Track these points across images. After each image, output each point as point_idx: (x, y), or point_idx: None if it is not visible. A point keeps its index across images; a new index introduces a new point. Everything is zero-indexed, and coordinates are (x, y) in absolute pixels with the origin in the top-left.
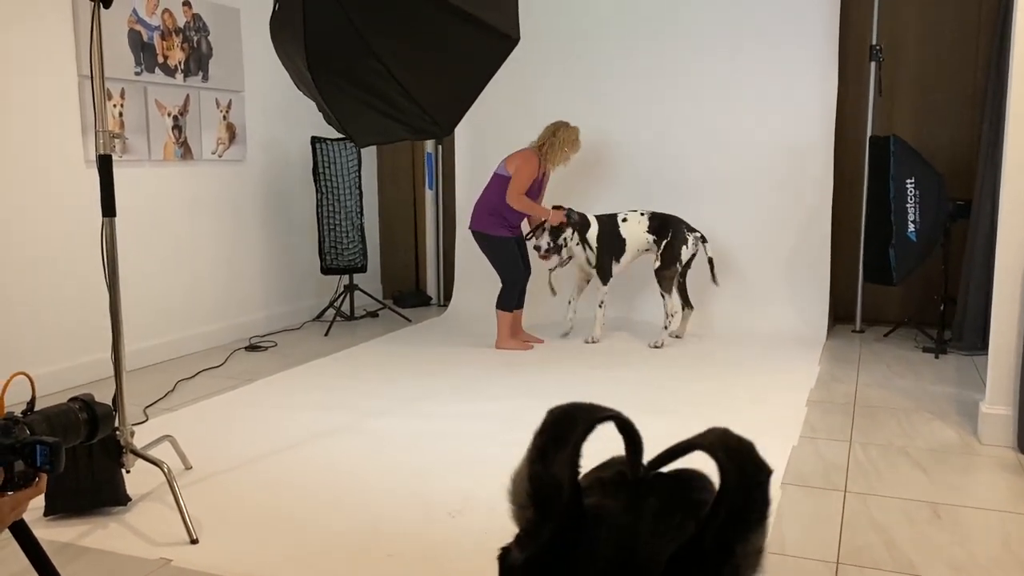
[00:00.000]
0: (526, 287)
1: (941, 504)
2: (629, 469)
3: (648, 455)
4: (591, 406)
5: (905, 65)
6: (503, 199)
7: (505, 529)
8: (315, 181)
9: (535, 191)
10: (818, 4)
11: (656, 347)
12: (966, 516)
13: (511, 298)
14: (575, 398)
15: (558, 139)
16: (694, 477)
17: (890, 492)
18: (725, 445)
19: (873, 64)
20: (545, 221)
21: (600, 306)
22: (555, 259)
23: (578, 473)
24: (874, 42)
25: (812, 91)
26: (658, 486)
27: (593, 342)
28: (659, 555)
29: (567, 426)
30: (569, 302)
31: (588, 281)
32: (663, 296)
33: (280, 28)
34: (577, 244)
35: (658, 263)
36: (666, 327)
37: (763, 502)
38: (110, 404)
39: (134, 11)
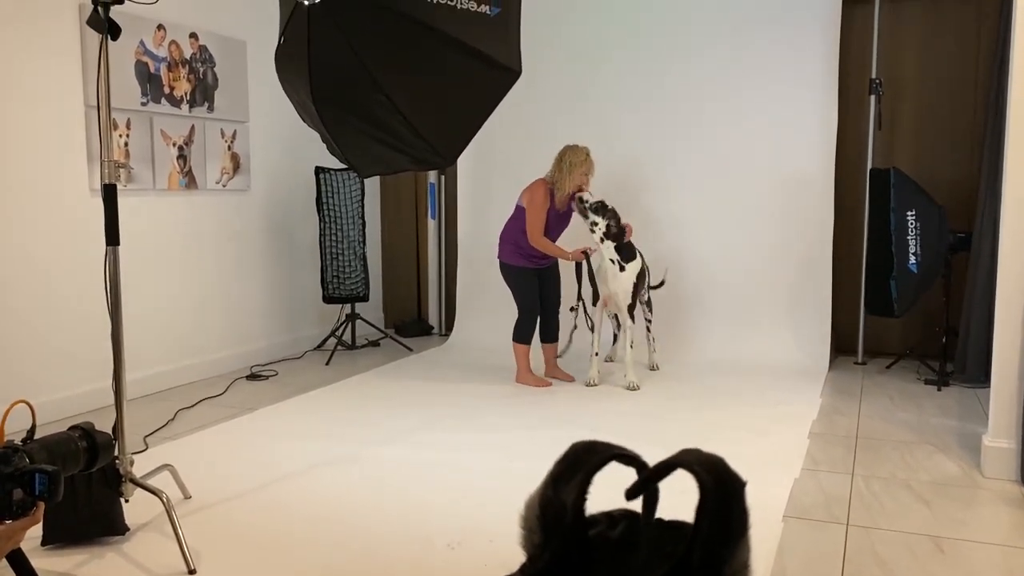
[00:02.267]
0: (558, 320)
1: (944, 538)
2: (642, 514)
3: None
4: (612, 444)
5: (905, 98)
6: (518, 229)
7: (504, 561)
8: (318, 210)
9: (558, 220)
10: (818, 37)
11: (654, 369)
12: (969, 550)
13: (527, 330)
14: (576, 429)
15: (565, 162)
16: (688, 524)
17: (892, 525)
18: (699, 460)
19: (873, 97)
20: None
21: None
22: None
23: (584, 499)
24: (874, 75)
25: (813, 123)
26: (657, 525)
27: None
28: None
29: (585, 457)
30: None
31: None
32: (650, 321)
33: (286, 61)
34: (612, 261)
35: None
36: (655, 350)
37: (742, 512)
38: (110, 433)
39: (141, 42)
